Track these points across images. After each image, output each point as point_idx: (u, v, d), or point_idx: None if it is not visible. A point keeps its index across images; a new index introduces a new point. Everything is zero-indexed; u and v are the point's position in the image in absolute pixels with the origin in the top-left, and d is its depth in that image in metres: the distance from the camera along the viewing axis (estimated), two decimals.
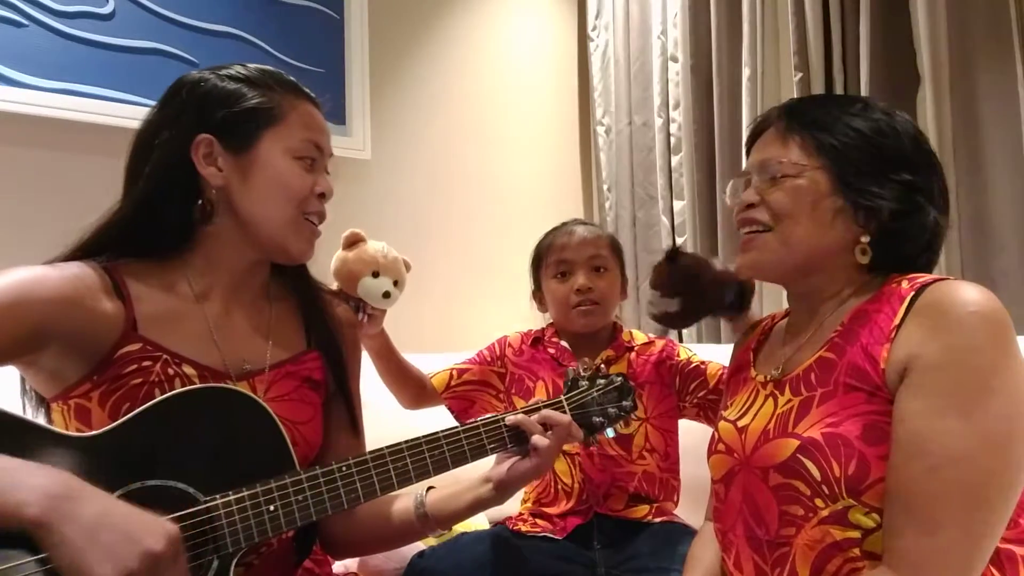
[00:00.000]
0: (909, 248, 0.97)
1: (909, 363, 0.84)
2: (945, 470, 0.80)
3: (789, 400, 0.95)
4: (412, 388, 1.54)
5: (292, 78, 1.09)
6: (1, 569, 0.74)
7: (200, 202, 1.03)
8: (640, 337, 1.61)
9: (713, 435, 1.08)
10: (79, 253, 1.02)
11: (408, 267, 1.37)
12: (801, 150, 0.98)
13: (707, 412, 1.52)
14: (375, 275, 1.30)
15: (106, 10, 1.86)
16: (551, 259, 1.57)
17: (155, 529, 0.77)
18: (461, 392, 1.58)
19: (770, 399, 0.99)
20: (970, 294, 0.85)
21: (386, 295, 1.31)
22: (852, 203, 0.96)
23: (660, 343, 1.60)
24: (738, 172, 1.06)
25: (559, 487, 1.49)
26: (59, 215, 1.75)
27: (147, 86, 1.88)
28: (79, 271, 0.98)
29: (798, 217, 0.97)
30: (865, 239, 0.96)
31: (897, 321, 0.88)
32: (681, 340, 2.48)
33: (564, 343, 1.58)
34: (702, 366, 1.54)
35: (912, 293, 0.89)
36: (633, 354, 1.56)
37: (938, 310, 0.85)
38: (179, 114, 1.03)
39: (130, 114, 1.84)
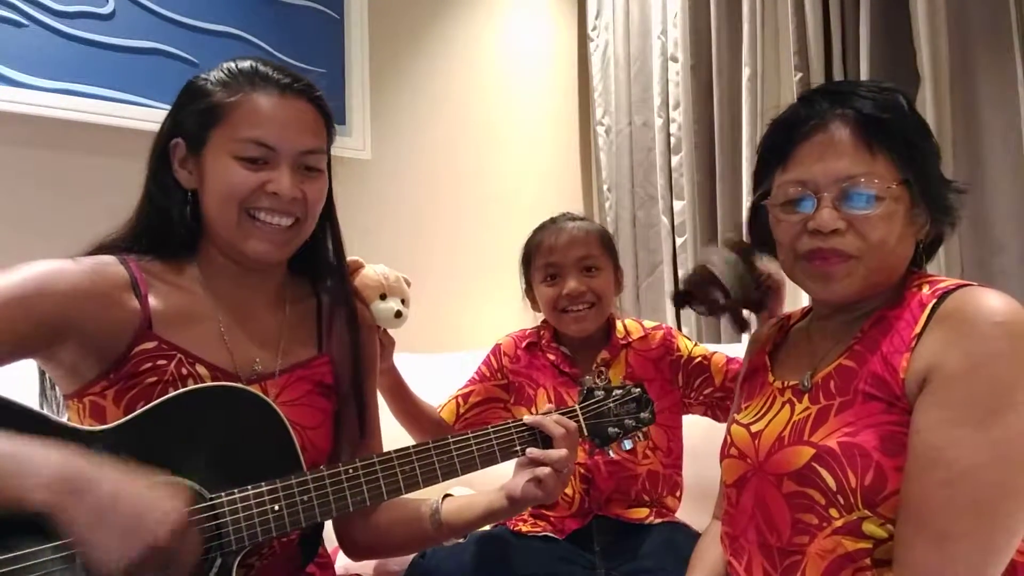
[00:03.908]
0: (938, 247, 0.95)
1: (929, 373, 0.82)
2: (959, 483, 0.77)
3: (807, 408, 0.93)
4: (427, 426, 1.49)
5: (264, 67, 1.02)
6: (20, 554, 0.76)
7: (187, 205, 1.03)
8: (635, 330, 1.55)
9: (725, 438, 1.05)
10: (105, 248, 1.02)
11: (408, 284, 1.37)
12: (889, 165, 0.89)
13: (715, 411, 1.49)
14: (383, 297, 1.30)
15: (106, 10, 1.86)
16: (539, 262, 1.51)
17: (161, 515, 0.79)
18: (472, 417, 1.54)
19: (787, 406, 0.96)
20: (994, 303, 0.81)
21: (398, 315, 1.30)
22: (931, 217, 0.91)
23: (658, 335, 1.54)
24: (789, 180, 0.93)
25: (560, 497, 1.48)
26: (59, 215, 1.75)
27: (147, 86, 1.87)
28: (99, 265, 0.98)
29: (891, 244, 0.90)
30: (918, 246, 0.93)
31: (918, 330, 0.85)
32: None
33: (564, 349, 1.53)
34: (705, 361, 1.49)
35: (934, 301, 0.86)
36: (631, 353, 1.52)
37: (961, 319, 0.82)
38: (168, 115, 1.05)
39: (130, 114, 1.84)
